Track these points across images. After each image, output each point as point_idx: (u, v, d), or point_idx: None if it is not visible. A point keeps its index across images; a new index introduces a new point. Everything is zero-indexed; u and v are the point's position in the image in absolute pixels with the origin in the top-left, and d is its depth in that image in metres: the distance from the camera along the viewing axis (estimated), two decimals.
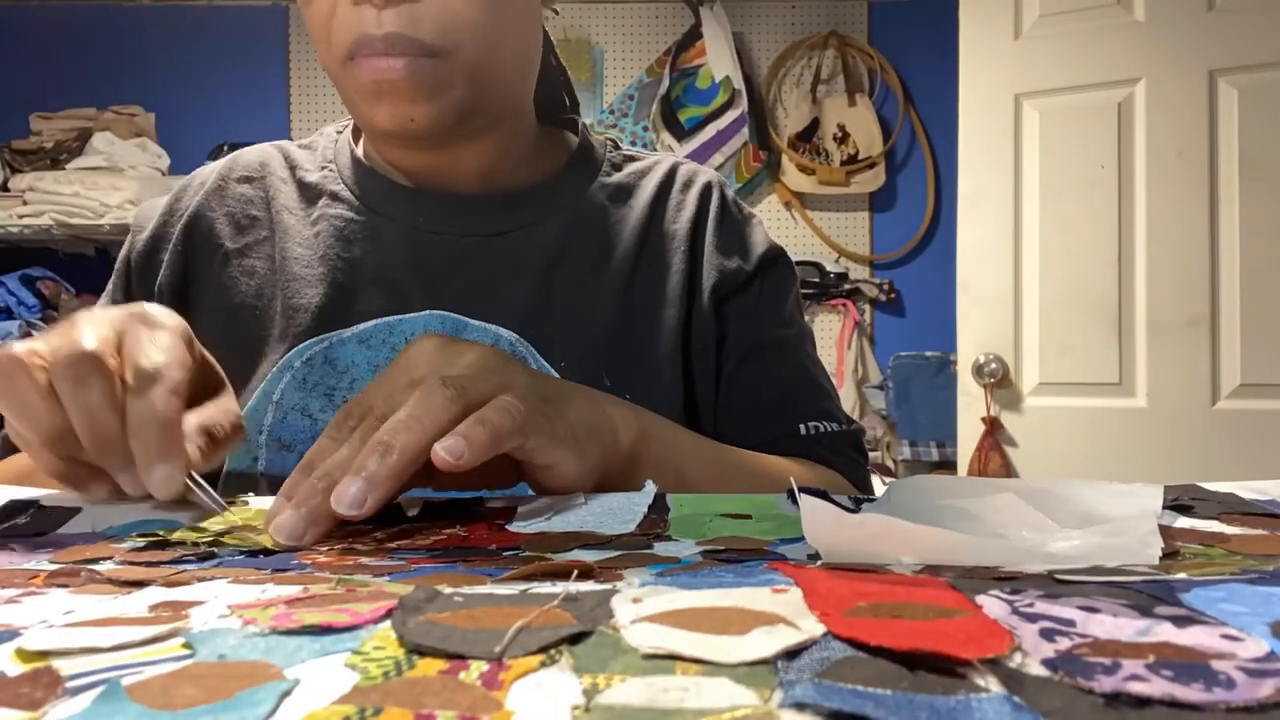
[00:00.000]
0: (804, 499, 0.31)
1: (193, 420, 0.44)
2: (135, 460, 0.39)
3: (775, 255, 0.71)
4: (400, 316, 0.61)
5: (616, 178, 0.71)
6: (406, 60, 0.55)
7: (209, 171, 0.69)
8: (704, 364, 0.67)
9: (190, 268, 0.66)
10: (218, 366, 0.50)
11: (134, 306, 0.45)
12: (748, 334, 0.67)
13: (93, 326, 0.42)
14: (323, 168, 0.68)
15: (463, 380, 0.40)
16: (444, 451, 0.36)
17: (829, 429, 0.66)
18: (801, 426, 0.65)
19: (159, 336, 0.43)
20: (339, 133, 0.71)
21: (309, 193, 0.66)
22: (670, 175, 0.71)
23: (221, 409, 0.46)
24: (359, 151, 0.68)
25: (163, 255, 0.66)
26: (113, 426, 0.39)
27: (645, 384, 0.63)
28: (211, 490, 0.42)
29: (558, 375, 0.61)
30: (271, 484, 0.58)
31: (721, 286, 0.67)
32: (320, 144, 0.70)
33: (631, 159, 0.73)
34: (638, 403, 0.61)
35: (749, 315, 0.68)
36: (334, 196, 0.66)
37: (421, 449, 0.37)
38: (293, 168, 0.68)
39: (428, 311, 0.62)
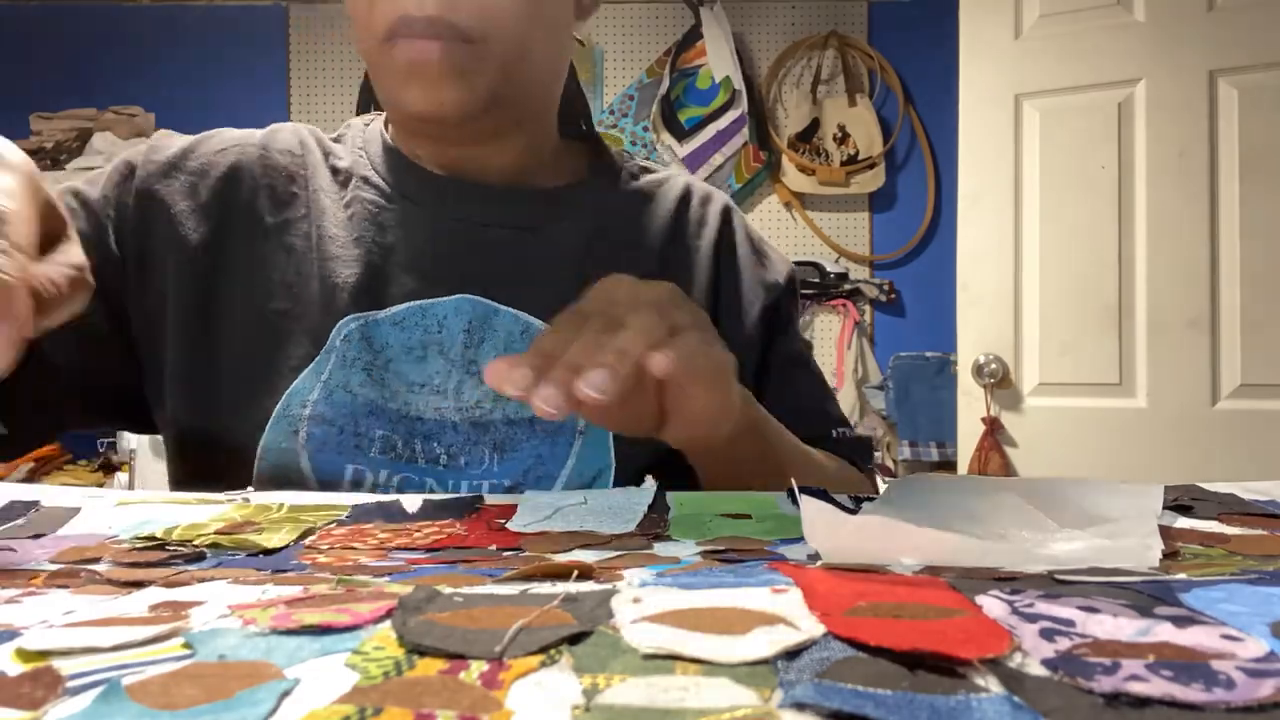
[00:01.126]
0: (804, 500, 0.31)
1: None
2: None
3: (793, 278, 0.76)
4: (432, 300, 0.63)
5: (636, 185, 0.74)
6: (443, 43, 0.57)
7: (245, 138, 0.68)
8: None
9: (227, 227, 0.64)
10: (61, 209, 0.43)
11: None
12: (782, 349, 0.72)
13: None
14: (354, 154, 0.69)
15: (668, 309, 0.45)
16: (657, 361, 0.41)
17: (851, 434, 0.72)
18: (834, 431, 0.71)
19: (2, 178, 0.37)
20: (367, 125, 0.72)
21: (341, 176, 0.68)
22: (688, 190, 0.75)
23: (60, 261, 0.40)
24: (389, 140, 0.69)
25: (177, 187, 0.64)
26: None
27: None
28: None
29: None
30: (311, 457, 0.58)
31: (765, 309, 0.72)
32: (349, 134, 0.71)
33: (647, 170, 0.76)
34: None
35: (783, 332, 0.73)
36: (365, 181, 0.67)
37: (639, 358, 0.41)
38: (326, 152, 0.69)
39: (459, 295, 0.63)
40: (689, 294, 0.68)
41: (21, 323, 0.34)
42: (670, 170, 0.78)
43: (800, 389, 0.73)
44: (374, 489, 0.58)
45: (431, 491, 0.58)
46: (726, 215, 0.74)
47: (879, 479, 0.76)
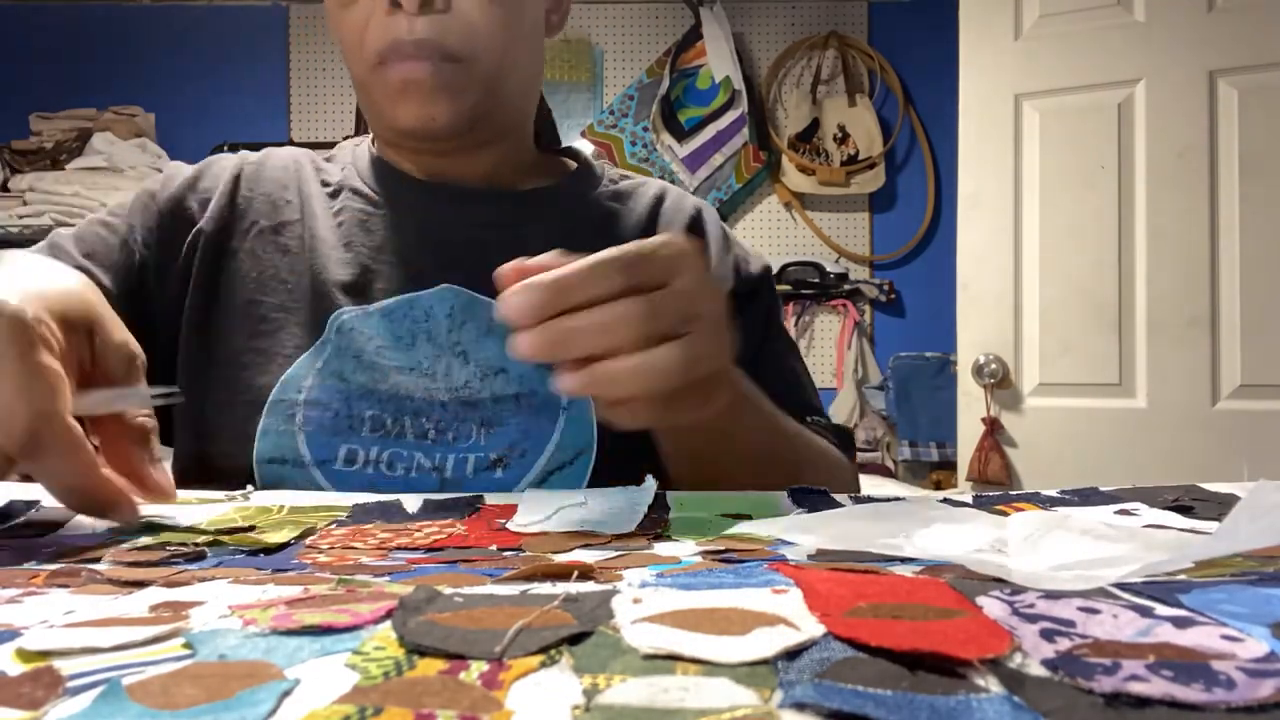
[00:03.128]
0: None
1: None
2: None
3: (768, 272, 0.78)
4: (417, 293, 0.66)
5: (612, 188, 0.77)
6: (432, 64, 0.62)
7: (243, 155, 0.75)
8: None
9: (231, 227, 0.69)
10: (78, 299, 0.44)
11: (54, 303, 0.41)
12: (754, 339, 0.72)
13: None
14: (343, 169, 0.74)
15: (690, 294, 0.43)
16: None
17: (827, 422, 0.72)
18: (808, 417, 0.70)
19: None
20: (356, 145, 0.77)
21: (332, 189, 0.73)
22: (662, 192, 0.78)
23: (130, 399, 0.44)
24: (376, 154, 0.75)
25: (194, 208, 0.69)
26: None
27: None
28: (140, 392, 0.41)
29: None
30: (309, 439, 0.61)
31: (740, 297, 0.72)
32: (340, 154, 0.77)
33: (626, 177, 0.80)
34: None
35: (756, 324, 0.73)
36: (354, 191, 0.72)
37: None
38: (318, 169, 0.75)
39: (442, 286, 0.66)
40: None
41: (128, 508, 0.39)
42: (649, 178, 0.82)
43: (777, 374, 0.72)
44: (365, 465, 0.61)
45: (419, 465, 0.61)
46: (698, 214, 0.77)
47: (879, 479, 0.76)
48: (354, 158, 0.75)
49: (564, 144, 0.84)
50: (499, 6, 0.64)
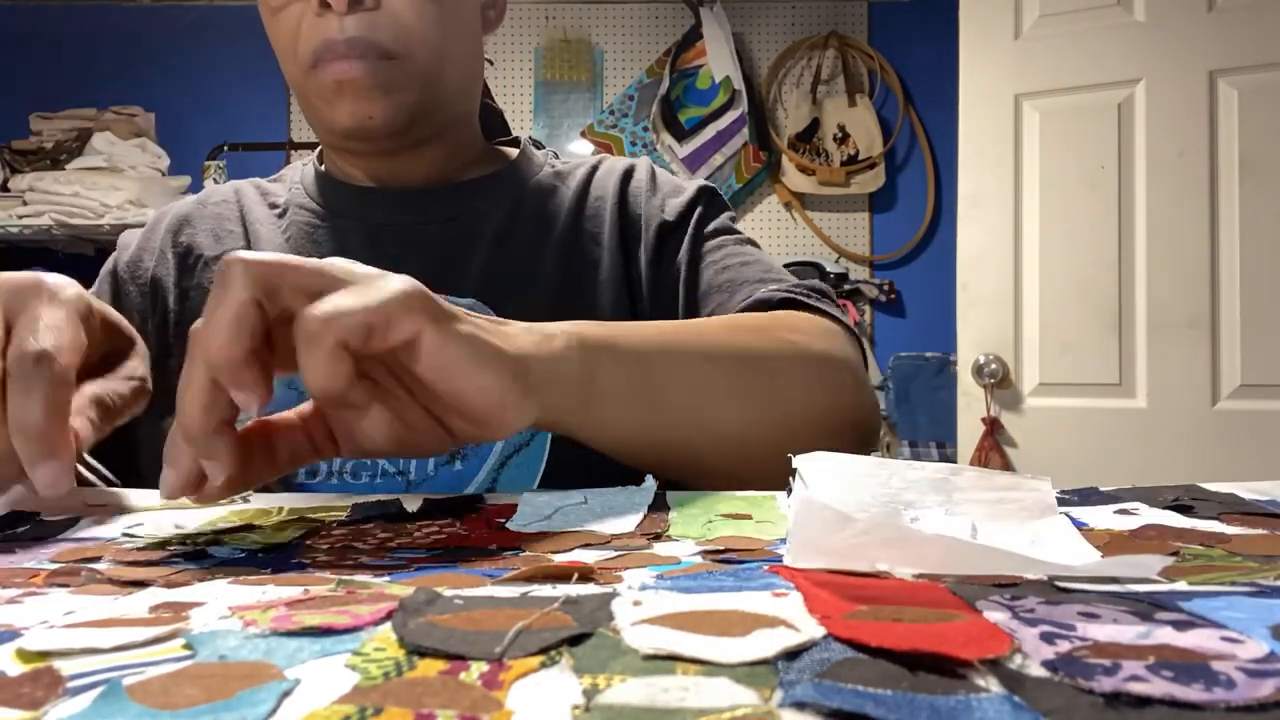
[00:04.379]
0: (800, 498, 0.31)
1: (87, 391, 0.43)
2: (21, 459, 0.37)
3: (708, 189, 0.75)
4: None
5: (555, 169, 0.78)
6: (365, 62, 0.62)
7: (185, 200, 0.77)
8: (658, 287, 0.71)
9: (179, 269, 0.71)
10: (128, 328, 0.50)
11: (29, 277, 0.42)
12: (695, 247, 0.71)
13: None
14: (290, 189, 0.75)
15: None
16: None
17: (788, 285, 0.66)
18: (761, 289, 0.65)
19: (51, 313, 0.40)
20: (304, 165, 0.78)
21: (279, 210, 0.74)
22: (599, 162, 0.79)
23: (122, 376, 0.46)
24: (321, 169, 0.76)
25: (149, 261, 0.72)
26: None
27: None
28: (107, 474, 0.41)
29: None
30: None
31: (663, 224, 0.72)
32: (288, 175, 0.79)
33: (569, 162, 0.80)
34: None
35: (696, 236, 0.71)
36: (300, 207, 0.73)
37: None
38: (264, 194, 0.76)
39: None
40: (600, 248, 0.71)
41: (66, 457, 0.37)
42: (594, 157, 0.82)
43: (723, 266, 0.69)
44: (330, 477, 0.61)
45: (383, 470, 0.61)
46: (634, 167, 0.76)
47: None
48: (301, 176, 0.76)
49: (512, 134, 0.84)
50: (430, 2, 0.64)
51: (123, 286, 0.72)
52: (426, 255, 0.69)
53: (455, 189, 0.73)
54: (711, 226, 0.72)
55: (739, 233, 0.74)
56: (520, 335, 0.43)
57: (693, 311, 0.69)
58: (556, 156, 0.81)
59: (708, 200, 0.74)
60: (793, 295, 0.64)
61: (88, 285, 0.71)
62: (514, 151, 0.80)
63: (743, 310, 0.64)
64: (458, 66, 0.69)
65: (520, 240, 0.71)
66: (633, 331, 0.49)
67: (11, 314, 0.40)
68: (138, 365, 0.48)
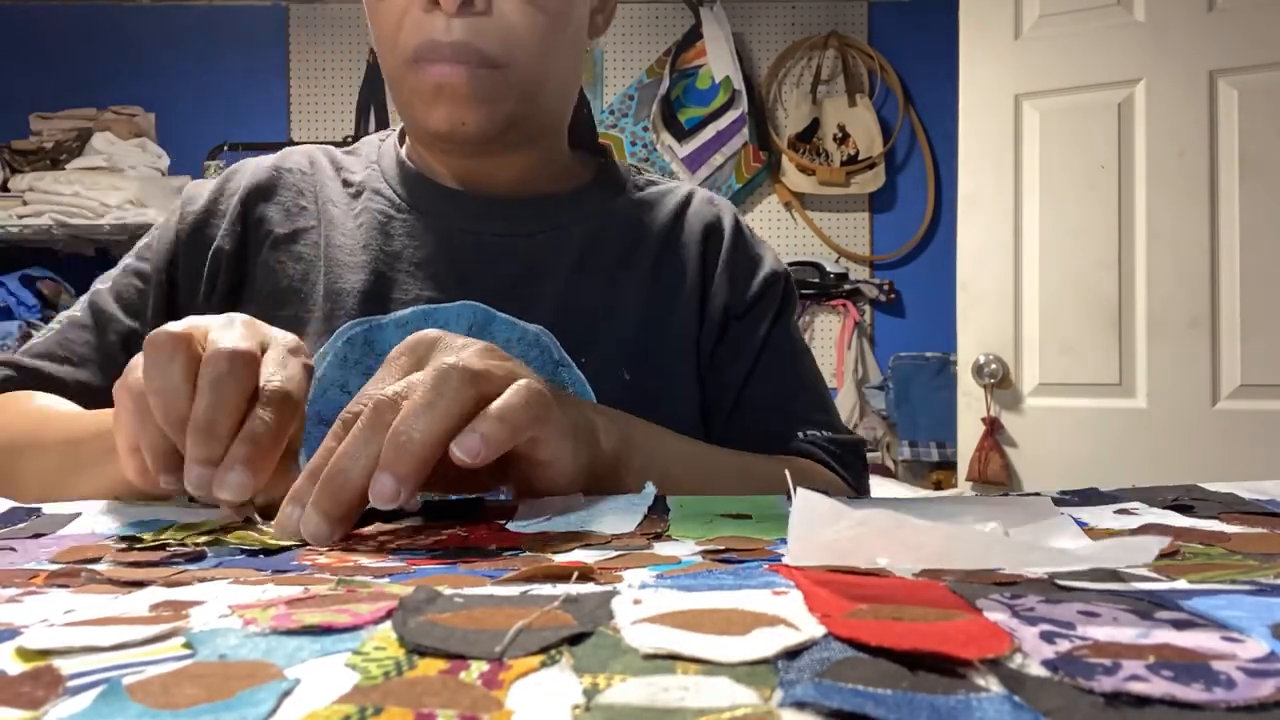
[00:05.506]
0: (800, 493, 0.30)
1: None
2: (223, 459, 0.39)
3: (781, 276, 0.75)
4: (435, 305, 0.65)
5: (640, 195, 0.75)
6: (468, 68, 0.60)
7: (259, 162, 0.73)
8: (712, 373, 0.71)
9: (246, 243, 0.69)
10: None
11: (266, 327, 0.45)
12: (752, 348, 0.71)
13: (248, 330, 0.43)
14: (367, 168, 0.72)
15: (474, 364, 0.39)
16: (461, 452, 0.36)
17: (826, 435, 0.70)
18: (800, 432, 0.69)
19: (293, 365, 0.43)
20: (382, 140, 0.75)
21: (354, 189, 0.71)
22: (689, 196, 0.76)
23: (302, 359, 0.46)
24: (403, 154, 0.73)
25: (216, 229, 0.69)
26: (225, 425, 0.39)
27: (662, 381, 0.68)
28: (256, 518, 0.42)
29: (579, 371, 0.65)
30: (309, 454, 0.60)
31: (732, 306, 0.71)
32: (364, 149, 0.75)
33: (653, 182, 0.78)
34: (655, 399, 0.64)
35: (753, 331, 0.72)
36: (377, 193, 0.70)
37: (441, 434, 0.36)
38: (338, 168, 0.73)
39: (460, 301, 0.65)
40: (679, 297, 0.70)
41: (264, 480, 0.40)
42: (677, 181, 0.80)
43: (773, 383, 0.71)
44: None
45: None
46: (721, 218, 0.75)
47: (877, 480, 0.75)
48: (380, 155, 0.73)
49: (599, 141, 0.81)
50: (541, 11, 0.61)
51: (181, 247, 0.69)
52: (500, 271, 0.67)
53: (539, 203, 0.71)
54: (775, 331, 0.72)
55: (797, 336, 0.75)
56: (603, 431, 0.48)
57: (739, 395, 0.70)
58: (639, 172, 0.79)
59: (781, 294, 0.74)
60: (824, 459, 0.68)
61: (87, 285, 0.71)
62: (598, 161, 0.78)
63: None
64: (559, 77, 0.67)
65: (597, 271, 0.69)
66: (668, 446, 0.56)
67: (264, 348, 0.44)
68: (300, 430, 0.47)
